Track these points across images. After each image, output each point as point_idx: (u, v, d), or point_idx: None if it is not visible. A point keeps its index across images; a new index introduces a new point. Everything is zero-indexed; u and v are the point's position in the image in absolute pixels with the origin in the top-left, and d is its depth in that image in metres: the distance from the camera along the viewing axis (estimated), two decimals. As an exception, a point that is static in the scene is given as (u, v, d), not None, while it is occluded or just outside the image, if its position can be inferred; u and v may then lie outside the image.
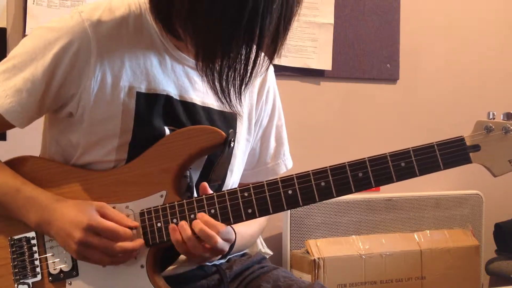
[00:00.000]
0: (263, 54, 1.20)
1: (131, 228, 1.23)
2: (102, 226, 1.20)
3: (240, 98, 1.23)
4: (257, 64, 1.19)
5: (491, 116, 1.20)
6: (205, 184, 1.26)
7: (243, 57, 1.17)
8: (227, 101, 1.22)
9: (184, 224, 1.21)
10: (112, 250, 1.21)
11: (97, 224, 1.20)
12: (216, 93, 1.21)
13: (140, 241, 1.23)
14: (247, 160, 1.47)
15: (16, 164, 1.32)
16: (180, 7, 1.16)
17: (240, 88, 1.21)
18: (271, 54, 1.21)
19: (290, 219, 2.71)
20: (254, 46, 1.17)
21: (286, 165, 1.53)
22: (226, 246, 1.24)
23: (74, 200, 1.26)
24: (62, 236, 1.22)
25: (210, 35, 1.15)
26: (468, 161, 1.19)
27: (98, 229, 1.20)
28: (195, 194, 1.32)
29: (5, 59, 1.29)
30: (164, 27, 1.25)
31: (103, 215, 1.22)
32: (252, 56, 1.18)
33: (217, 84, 1.19)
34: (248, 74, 1.20)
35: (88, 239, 1.20)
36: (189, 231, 1.20)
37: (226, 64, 1.17)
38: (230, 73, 1.18)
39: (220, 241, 1.20)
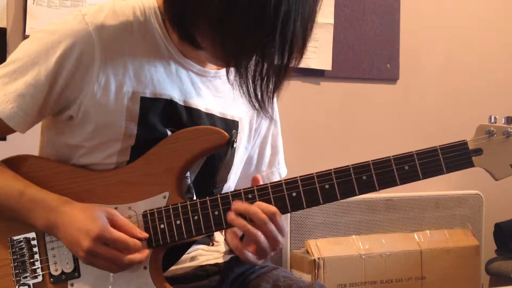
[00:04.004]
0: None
1: (140, 239, 1.22)
2: (112, 237, 1.18)
3: (273, 102, 1.21)
4: (289, 67, 1.17)
5: (492, 120, 1.21)
6: (258, 176, 1.26)
7: (275, 62, 1.15)
8: (261, 107, 1.20)
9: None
10: (121, 262, 1.19)
11: (108, 235, 1.18)
12: (250, 100, 1.19)
13: (147, 252, 1.22)
14: (243, 168, 1.47)
15: (15, 164, 1.31)
16: (209, 16, 1.13)
17: (274, 93, 1.20)
18: (299, 55, 1.18)
19: (290, 219, 2.72)
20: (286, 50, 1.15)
21: (280, 174, 1.53)
22: (281, 239, 1.22)
23: (83, 203, 1.24)
24: (70, 242, 1.21)
25: (246, 43, 1.12)
26: (470, 165, 1.20)
27: (108, 240, 1.18)
28: (195, 196, 1.32)
29: (4, 63, 1.26)
30: (181, 35, 1.21)
31: (113, 224, 1.20)
32: (285, 59, 1.16)
33: (251, 91, 1.18)
34: (282, 78, 1.18)
35: (97, 249, 1.18)
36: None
37: (259, 71, 1.16)
38: (264, 79, 1.17)
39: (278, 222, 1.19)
